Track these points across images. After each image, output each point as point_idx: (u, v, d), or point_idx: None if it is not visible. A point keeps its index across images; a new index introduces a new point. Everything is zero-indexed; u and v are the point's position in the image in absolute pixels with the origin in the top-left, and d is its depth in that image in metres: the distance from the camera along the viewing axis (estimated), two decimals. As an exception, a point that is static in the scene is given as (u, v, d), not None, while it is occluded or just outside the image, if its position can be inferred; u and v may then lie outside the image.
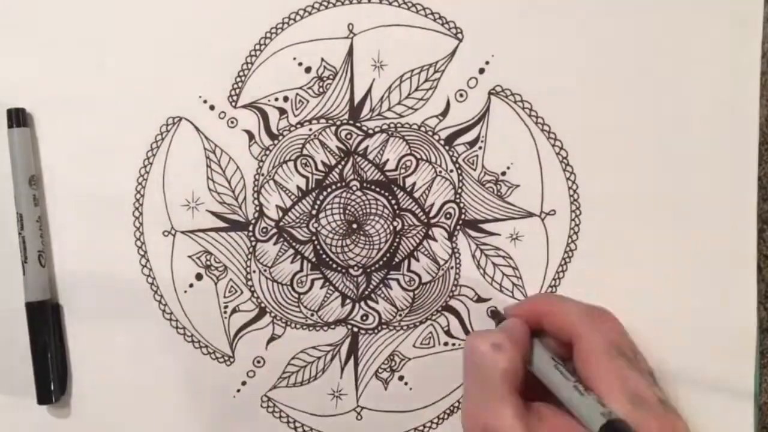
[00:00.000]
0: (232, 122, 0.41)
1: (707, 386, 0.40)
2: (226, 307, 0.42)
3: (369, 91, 0.41)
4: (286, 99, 0.41)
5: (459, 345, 0.41)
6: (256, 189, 0.42)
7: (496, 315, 0.40)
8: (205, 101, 0.41)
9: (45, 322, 0.41)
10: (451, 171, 0.41)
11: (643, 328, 0.40)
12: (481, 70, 0.41)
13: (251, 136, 0.41)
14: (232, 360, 0.42)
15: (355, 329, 0.42)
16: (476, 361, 0.35)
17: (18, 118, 0.41)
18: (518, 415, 0.33)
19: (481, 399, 0.34)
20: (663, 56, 0.40)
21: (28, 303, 0.41)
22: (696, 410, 0.39)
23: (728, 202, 0.40)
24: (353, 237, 0.41)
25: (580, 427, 0.33)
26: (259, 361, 0.42)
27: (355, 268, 0.41)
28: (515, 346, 0.35)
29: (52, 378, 0.41)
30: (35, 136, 0.42)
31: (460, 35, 0.41)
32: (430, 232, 0.41)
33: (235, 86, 0.41)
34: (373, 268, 0.41)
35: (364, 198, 0.41)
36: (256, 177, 0.42)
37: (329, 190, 0.41)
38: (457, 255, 0.41)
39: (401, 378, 0.42)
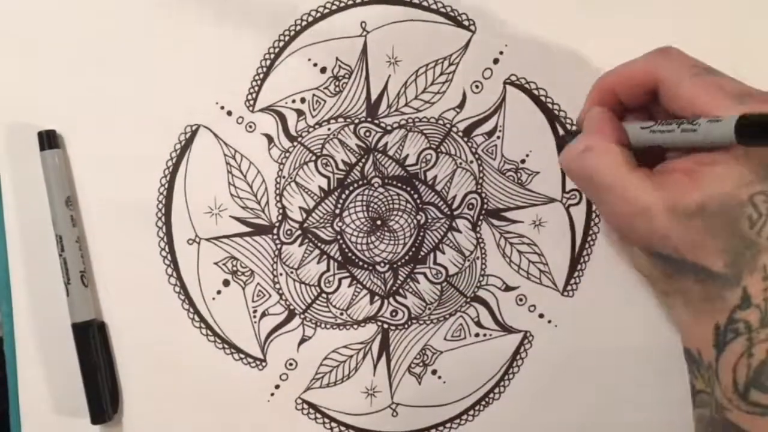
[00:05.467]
0: (251, 127, 0.42)
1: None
2: (255, 311, 0.42)
3: (385, 87, 0.41)
4: (303, 100, 0.41)
5: (490, 335, 0.41)
6: (278, 192, 0.42)
7: (571, 134, 0.39)
8: (222, 107, 0.41)
9: (92, 341, 0.41)
10: (471, 162, 0.41)
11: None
12: (496, 61, 0.41)
13: (270, 139, 0.42)
14: (264, 364, 0.42)
15: (385, 326, 0.42)
16: (583, 175, 0.34)
17: (50, 139, 0.41)
18: (643, 175, 0.33)
19: (608, 197, 0.34)
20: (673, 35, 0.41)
21: (74, 324, 0.41)
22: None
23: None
24: (378, 233, 0.41)
25: (704, 164, 0.32)
26: (291, 364, 0.42)
27: (382, 264, 0.41)
28: (602, 135, 0.34)
29: (104, 397, 0.41)
30: (67, 156, 0.42)
31: (472, 27, 0.41)
32: (453, 224, 0.41)
33: (252, 91, 0.41)
34: (399, 263, 0.41)
35: (386, 194, 0.41)
36: (278, 180, 0.42)
37: (351, 188, 0.41)
38: (482, 245, 0.41)
39: (434, 372, 0.42)
